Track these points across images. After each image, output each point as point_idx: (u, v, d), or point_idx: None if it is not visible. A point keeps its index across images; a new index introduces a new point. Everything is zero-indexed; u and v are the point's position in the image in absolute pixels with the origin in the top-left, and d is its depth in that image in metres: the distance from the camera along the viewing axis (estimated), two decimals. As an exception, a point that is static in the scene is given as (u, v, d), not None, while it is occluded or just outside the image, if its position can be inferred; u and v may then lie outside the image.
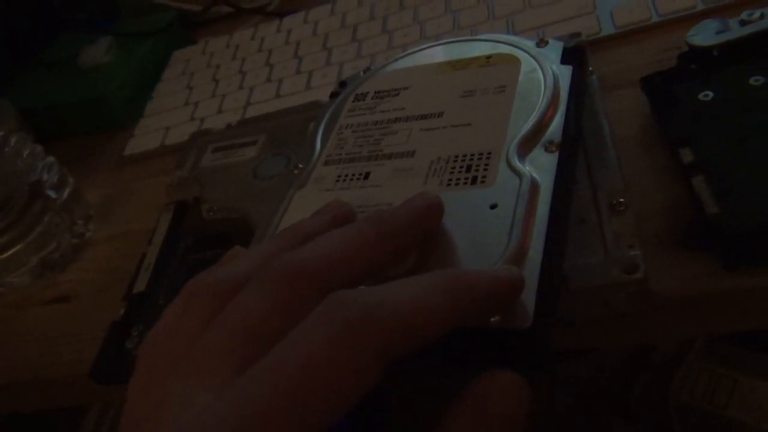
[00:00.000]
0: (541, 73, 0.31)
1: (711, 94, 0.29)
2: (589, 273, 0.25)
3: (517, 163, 0.27)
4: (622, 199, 0.27)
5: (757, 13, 0.31)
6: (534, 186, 0.25)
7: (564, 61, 0.31)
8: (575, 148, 0.30)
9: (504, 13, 0.43)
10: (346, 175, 0.30)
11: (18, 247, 0.40)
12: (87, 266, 0.42)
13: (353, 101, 0.35)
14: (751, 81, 0.29)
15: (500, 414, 0.18)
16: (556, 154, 0.27)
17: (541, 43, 0.33)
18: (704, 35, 0.31)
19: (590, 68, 0.34)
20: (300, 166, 0.32)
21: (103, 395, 0.38)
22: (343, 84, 0.37)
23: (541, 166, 0.26)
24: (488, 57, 0.33)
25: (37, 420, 0.62)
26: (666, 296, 0.26)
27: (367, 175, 0.30)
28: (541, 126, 0.28)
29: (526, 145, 0.27)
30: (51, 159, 0.43)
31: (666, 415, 0.65)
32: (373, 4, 0.50)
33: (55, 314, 0.40)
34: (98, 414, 0.71)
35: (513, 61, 0.32)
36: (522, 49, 0.32)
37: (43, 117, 0.55)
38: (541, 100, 0.29)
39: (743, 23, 0.31)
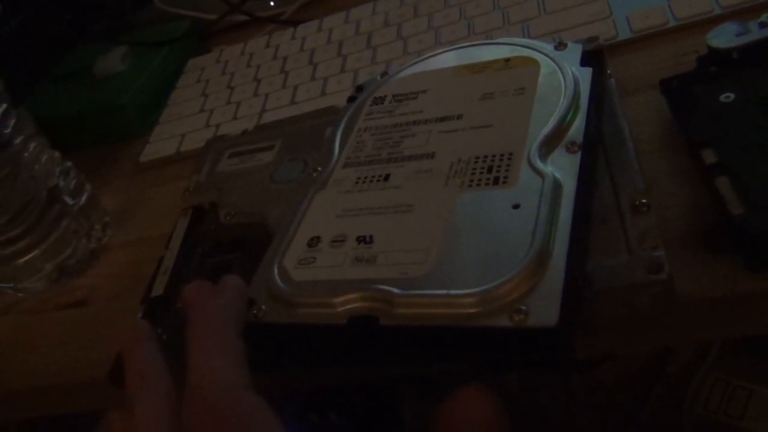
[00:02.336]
0: (561, 75, 0.31)
1: (732, 96, 0.29)
2: (613, 274, 0.25)
3: (539, 164, 0.27)
4: (644, 200, 0.27)
5: (777, 16, 0.31)
6: (557, 186, 0.25)
7: (583, 63, 0.31)
8: (596, 149, 0.30)
9: (519, 18, 0.43)
10: (366, 177, 0.30)
11: (35, 252, 0.40)
12: (103, 271, 0.42)
13: (371, 104, 0.35)
14: (773, 82, 0.29)
15: None
16: (578, 155, 0.27)
17: (560, 46, 0.33)
18: (724, 37, 0.31)
19: (609, 71, 0.34)
20: (319, 169, 0.32)
21: (120, 400, 0.38)
22: (360, 88, 0.37)
23: (563, 167, 0.26)
24: (507, 60, 0.33)
25: (48, 425, 0.62)
26: (689, 298, 0.26)
27: (387, 177, 0.30)
28: (562, 127, 0.28)
29: (548, 146, 0.27)
30: (68, 165, 0.43)
31: (680, 426, 0.65)
32: (388, 12, 0.50)
33: (72, 319, 0.40)
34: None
35: (532, 64, 0.32)
36: (541, 52, 0.33)
37: (59, 126, 0.55)
38: (561, 101, 0.29)
39: (763, 26, 0.31)
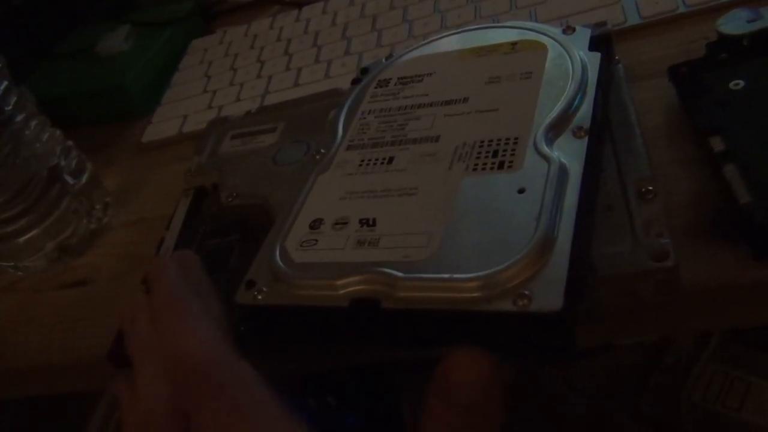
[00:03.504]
0: (569, 59, 0.30)
1: (742, 83, 0.29)
2: (617, 261, 0.25)
3: (545, 149, 0.26)
4: (650, 187, 0.26)
5: (789, 2, 0.30)
6: (563, 171, 0.25)
7: (591, 48, 0.31)
8: (602, 134, 0.29)
9: (527, 3, 0.43)
10: (369, 160, 0.30)
11: (35, 231, 0.40)
12: (104, 251, 0.42)
13: (376, 87, 0.34)
14: (784, 70, 0.28)
15: (465, 405, 0.21)
16: (585, 140, 0.26)
17: (568, 30, 0.32)
18: (735, 24, 0.31)
19: (617, 57, 0.33)
20: (322, 151, 0.32)
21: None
22: (364, 70, 0.36)
23: (569, 152, 0.26)
24: (514, 44, 0.33)
25: (49, 404, 0.62)
26: (693, 287, 0.26)
27: (390, 160, 0.29)
28: (569, 112, 0.28)
29: (554, 131, 0.27)
30: (69, 144, 0.43)
31: (678, 417, 0.65)
32: (393, -5, 0.49)
33: (72, 298, 0.40)
34: (111, 399, 0.71)
35: (539, 48, 0.32)
36: (548, 36, 0.32)
37: (61, 106, 0.54)
38: (569, 86, 0.29)
39: (775, 12, 0.30)
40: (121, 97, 0.53)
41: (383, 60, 0.36)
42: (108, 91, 0.53)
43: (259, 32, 0.54)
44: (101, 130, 0.54)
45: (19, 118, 0.39)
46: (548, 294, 0.21)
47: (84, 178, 0.42)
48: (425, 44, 0.36)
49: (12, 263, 0.42)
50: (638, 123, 0.30)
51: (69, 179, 0.41)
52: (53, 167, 0.40)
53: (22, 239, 0.40)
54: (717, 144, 0.27)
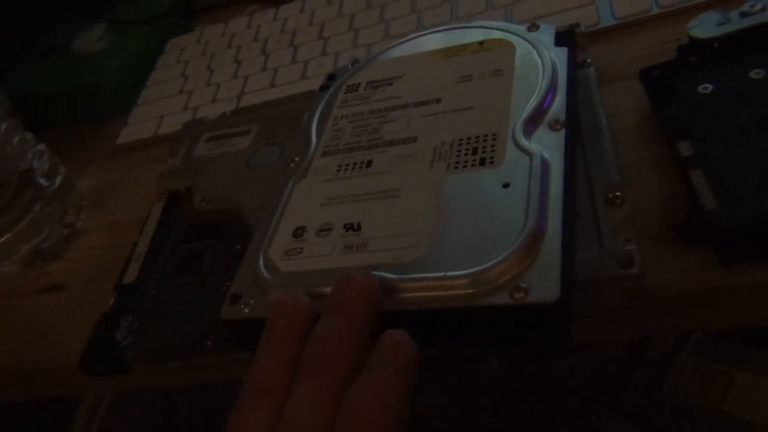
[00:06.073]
0: (538, 55, 0.31)
1: (711, 87, 0.29)
2: (584, 267, 0.25)
3: (524, 142, 0.27)
4: (618, 193, 0.27)
5: (758, 5, 0.30)
6: (545, 163, 0.25)
7: (557, 44, 0.31)
8: (576, 128, 0.30)
9: (502, 3, 0.42)
10: (348, 165, 0.30)
11: (8, 236, 0.40)
12: (78, 256, 0.42)
13: (345, 92, 0.34)
14: (752, 74, 0.28)
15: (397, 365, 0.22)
16: (563, 132, 0.27)
17: (533, 27, 0.33)
18: (705, 27, 0.31)
19: (588, 60, 0.33)
20: (296, 159, 0.32)
21: (94, 386, 0.38)
22: (331, 77, 0.36)
23: (548, 145, 0.26)
24: (481, 42, 0.33)
25: (29, 410, 0.62)
26: (662, 291, 0.26)
27: (369, 163, 0.29)
28: (543, 106, 0.28)
29: (532, 125, 0.27)
30: (42, 147, 0.42)
31: (661, 411, 0.65)
32: (371, -6, 0.49)
33: (46, 304, 0.40)
34: (91, 405, 0.70)
35: (507, 46, 0.32)
36: (514, 34, 0.32)
37: (36, 104, 0.54)
38: (540, 80, 0.29)
39: (744, 15, 0.30)
40: (96, 97, 0.52)
41: (350, 65, 0.36)
42: (84, 91, 0.53)
43: (237, 31, 0.53)
44: (77, 131, 0.53)
45: (-12, 122, 0.39)
46: (544, 285, 0.22)
47: (57, 182, 0.42)
48: (392, 47, 0.36)
49: (-15, 268, 0.41)
50: (608, 127, 0.30)
51: (42, 182, 0.41)
52: (25, 171, 0.40)
53: (-6, 244, 0.40)
54: (685, 149, 0.27)
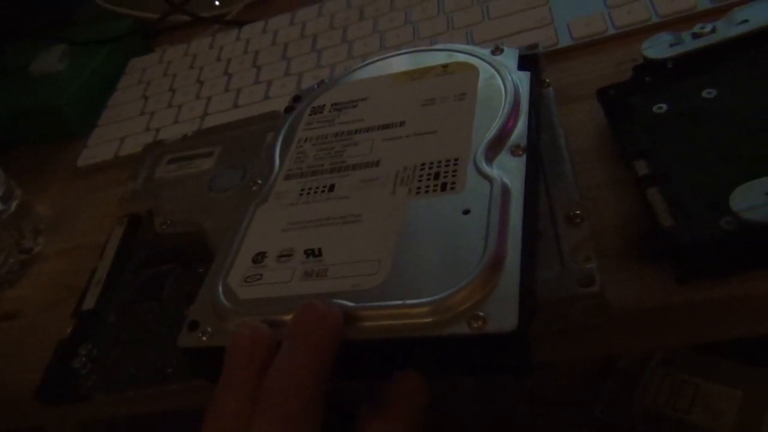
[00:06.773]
0: (500, 79, 0.31)
1: (665, 107, 0.29)
2: (545, 286, 0.25)
3: (485, 168, 0.27)
4: (578, 212, 0.27)
5: (708, 27, 0.31)
6: (505, 190, 0.25)
7: (520, 68, 0.32)
8: (538, 151, 0.30)
9: (463, 24, 0.43)
10: (310, 189, 0.30)
11: (-38, 263, 0.39)
12: (35, 282, 0.41)
13: (310, 114, 0.34)
14: (704, 94, 0.29)
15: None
16: (524, 157, 0.27)
17: (497, 51, 0.33)
18: (658, 48, 0.32)
19: (547, 80, 0.34)
20: (259, 182, 0.31)
21: (53, 418, 0.36)
22: (297, 98, 0.36)
23: (509, 170, 0.27)
24: (444, 66, 0.33)
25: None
26: (622, 309, 0.26)
27: (332, 188, 0.29)
28: (505, 131, 0.28)
29: (493, 150, 0.28)
30: (-3, 171, 0.41)
31: (631, 422, 0.66)
32: (334, 14, 0.49)
33: (1, 332, 0.38)
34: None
35: (470, 69, 0.32)
36: (478, 57, 0.33)
37: (-6, 126, 0.53)
38: (503, 105, 0.29)
39: (695, 36, 0.31)
40: (55, 119, 0.51)
41: (315, 86, 0.36)
42: (42, 113, 0.52)
43: (199, 51, 0.53)
44: (35, 153, 0.52)
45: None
46: (502, 314, 0.22)
47: (13, 206, 0.41)
48: (357, 69, 0.36)
49: (-63, 296, 0.40)
50: (567, 147, 0.30)
51: (-3, 207, 0.40)
52: (-21, 196, 0.39)
53: (-53, 271, 0.39)
54: (641, 168, 0.28)
